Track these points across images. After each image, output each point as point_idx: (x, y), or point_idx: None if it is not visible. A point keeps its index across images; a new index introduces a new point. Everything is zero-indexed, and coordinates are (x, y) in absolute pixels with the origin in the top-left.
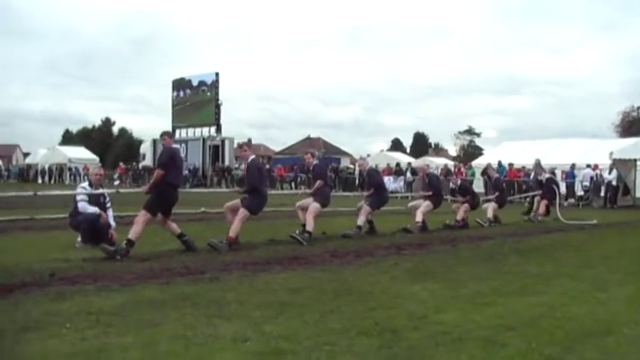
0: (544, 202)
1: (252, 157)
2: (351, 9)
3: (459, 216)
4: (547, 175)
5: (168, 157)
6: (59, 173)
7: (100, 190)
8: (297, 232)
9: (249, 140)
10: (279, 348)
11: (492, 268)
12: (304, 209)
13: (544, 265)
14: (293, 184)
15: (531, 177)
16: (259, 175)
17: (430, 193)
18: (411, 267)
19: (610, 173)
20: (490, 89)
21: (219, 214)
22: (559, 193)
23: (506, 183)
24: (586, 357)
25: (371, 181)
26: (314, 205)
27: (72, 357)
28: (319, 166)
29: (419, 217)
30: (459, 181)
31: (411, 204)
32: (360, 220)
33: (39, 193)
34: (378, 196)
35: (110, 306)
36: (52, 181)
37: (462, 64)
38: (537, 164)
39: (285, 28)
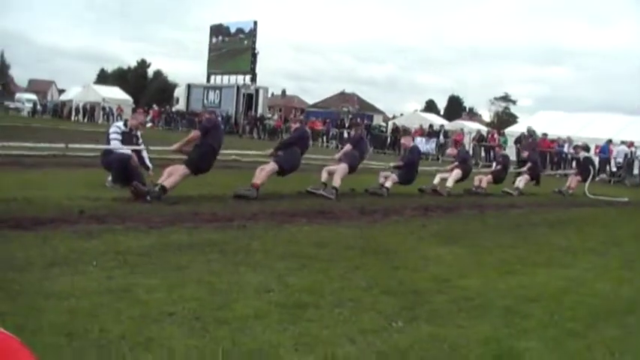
0: (577, 178)
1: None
2: None
3: (483, 184)
4: (585, 154)
5: (213, 125)
6: (92, 112)
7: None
8: (321, 189)
9: (284, 91)
10: (302, 301)
11: (519, 237)
12: (331, 173)
13: (571, 239)
14: (325, 138)
15: (567, 151)
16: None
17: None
18: (437, 230)
19: None
20: (530, 57)
21: (250, 164)
22: (594, 174)
23: (539, 154)
24: (608, 334)
25: (410, 158)
26: (342, 166)
27: (98, 295)
28: (359, 134)
29: (450, 184)
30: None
31: (441, 175)
32: (388, 184)
33: (70, 145)
34: (410, 173)
35: (137, 247)
36: (85, 120)
37: (504, 29)
38: (530, 132)
39: None
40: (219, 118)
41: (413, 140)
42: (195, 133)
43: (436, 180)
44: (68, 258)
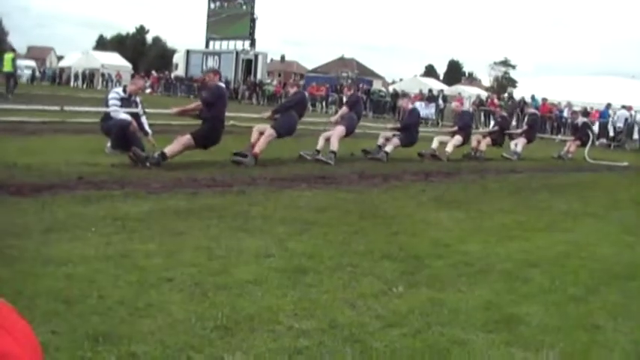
0: (576, 143)
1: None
2: None
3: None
4: (583, 120)
5: (217, 97)
6: (91, 79)
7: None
8: (310, 152)
9: (283, 57)
10: (302, 266)
11: (519, 202)
12: (328, 139)
13: (572, 203)
14: (324, 103)
15: (566, 116)
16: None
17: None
18: (437, 194)
19: None
20: (530, 21)
21: (249, 129)
22: (593, 138)
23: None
24: (609, 299)
25: (409, 119)
26: (339, 129)
27: (95, 260)
28: (355, 96)
29: (449, 148)
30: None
31: (439, 138)
32: (389, 148)
33: (66, 108)
34: (411, 135)
35: (136, 212)
36: (85, 86)
37: None
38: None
39: None
40: (223, 82)
41: (412, 103)
42: (197, 105)
43: (434, 144)
44: (66, 224)
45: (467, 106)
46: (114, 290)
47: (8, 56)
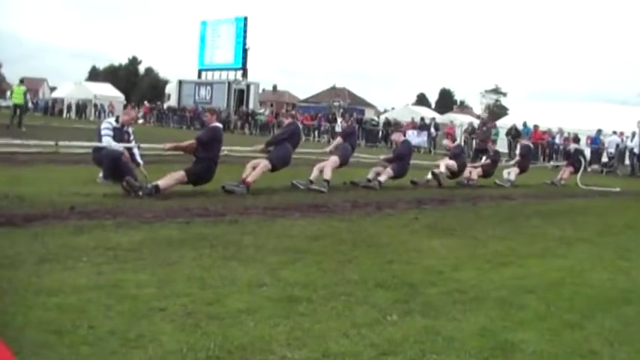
0: (569, 169)
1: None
2: None
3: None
4: (575, 146)
5: (212, 137)
6: (83, 109)
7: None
8: (308, 184)
9: (275, 87)
10: (295, 295)
11: (513, 228)
12: (322, 170)
13: (565, 230)
14: (317, 133)
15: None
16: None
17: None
18: (431, 222)
19: (632, 140)
20: (520, 49)
21: (240, 159)
22: (585, 165)
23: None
24: (605, 325)
25: (402, 150)
26: (333, 158)
27: (87, 290)
28: (351, 127)
29: (442, 168)
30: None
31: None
32: (382, 178)
33: (60, 143)
34: (402, 166)
35: (128, 242)
36: (77, 117)
37: (492, 21)
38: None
39: None
40: (219, 124)
41: (404, 135)
42: (191, 143)
43: (429, 175)
44: (58, 254)
45: (458, 133)
46: (105, 320)
47: (19, 89)
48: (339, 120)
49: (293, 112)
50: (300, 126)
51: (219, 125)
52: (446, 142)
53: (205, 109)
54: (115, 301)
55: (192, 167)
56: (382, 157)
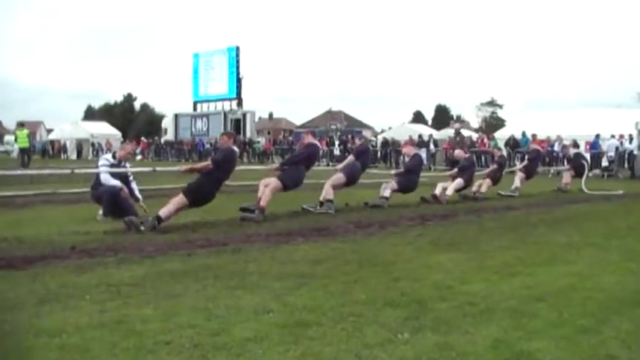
0: (570, 172)
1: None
2: None
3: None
4: (575, 151)
5: (225, 159)
6: (80, 149)
7: (132, 169)
8: (317, 207)
9: (271, 114)
10: (303, 319)
11: (518, 238)
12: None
13: (571, 236)
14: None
15: (557, 150)
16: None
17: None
18: (435, 237)
19: (631, 142)
20: (513, 60)
21: (240, 187)
22: (587, 167)
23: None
24: (621, 328)
25: (411, 163)
26: (338, 175)
27: (90, 329)
28: (364, 145)
29: (450, 192)
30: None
31: (441, 184)
32: (387, 192)
33: (76, 171)
34: (411, 180)
35: (130, 278)
36: (75, 157)
37: (484, 33)
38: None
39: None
40: (235, 147)
41: (415, 148)
42: (207, 164)
43: (438, 190)
44: (59, 294)
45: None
46: (110, 358)
47: (23, 132)
48: (336, 143)
49: (314, 130)
50: (320, 148)
51: (235, 148)
52: (458, 151)
53: (222, 133)
54: (120, 337)
55: (190, 182)
56: (393, 172)
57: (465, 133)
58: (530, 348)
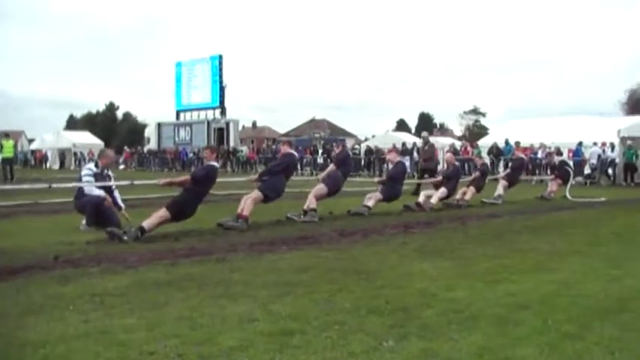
0: (557, 181)
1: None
2: None
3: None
4: (559, 159)
5: (208, 178)
6: (62, 159)
7: (113, 183)
8: (301, 215)
9: (254, 123)
10: (288, 328)
11: (502, 245)
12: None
13: (555, 243)
14: (298, 166)
15: (541, 157)
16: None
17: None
18: (419, 245)
19: (613, 150)
20: (496, 68)
21: (225, 197)
22: (572, 175)
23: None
24: (604, 334)
25: (395, 171)
26: (320, 186)
27: (74, 339)
28: (344, 153)
29: (434, 200)
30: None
31: (425, 192)
32: (370, 202)
33: (54, 185)
34: (395, 187)
35: (114, 288)
36: (57, 167)
37: (467, 42)
38: (425, 140)
39: (288, 9)
40: (216, 163)
41: (399, 156)
42: (186, 179)
43: (421, 198)
44: (43, 305)
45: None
46: None
47: (9, 143)
48: (320, 152)
49: (290, 140)
50: (297, 157)
51: (216, 165)
52: (448, 155)
53: (206, 147)
54: (104, 348)
55: (174, 198)
56: (376, 179)
57: (448, 141)
58: (515, 355)
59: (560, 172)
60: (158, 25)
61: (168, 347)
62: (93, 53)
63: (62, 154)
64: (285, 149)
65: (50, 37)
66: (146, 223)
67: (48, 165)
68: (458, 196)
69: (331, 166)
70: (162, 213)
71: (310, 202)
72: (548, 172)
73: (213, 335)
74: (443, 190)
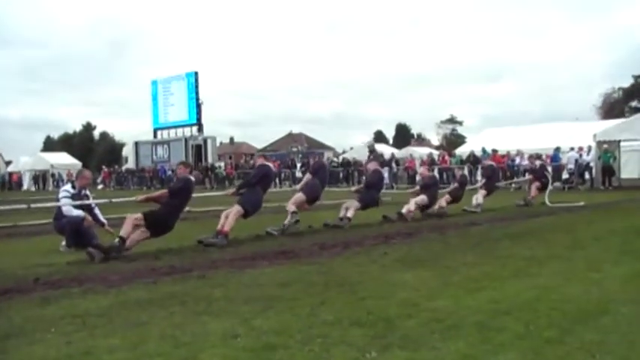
0: (536, 185)
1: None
2: (326, 1)
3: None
4: (539, 162)
5: (184, 190)
6: (43, 180)
7: (92, 201)
8: (282, 230)
9: (232, 139)
10: (271, 342)
11: (483, 253)
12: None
13: (535, 248)
14: (277, 180)
15: (522, 162)
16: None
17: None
18: (400, 256)
19: (588, 154)
20: (470, 77)
21: (204, 213)
22: (550, 180)
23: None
24: (586, 338)
25: (371, 178)
26: (299, 195)
27: None
28: (319, 162)
29: (412, 207)
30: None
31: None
32: (350, 213)
33: (33, 205)
34: (371, 195)
35: (96, 308)
36: (36, 188)
37: (441, 52)
38: (371, 148)
39: (261, 25)
40: (191, 176)
41: (379, 166)
42: (163, 193)
43: (404, 209)
44: (24, 328)
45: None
46: None
47: None
48: (298, 165)
49: (265, 154)
50: (273, 168)
51: (192, 178)
52: (422, 169)
53: (179, 163)
54: None
55: (152, 210)
56: (353, 188)
57: (426, 150)
58: None
59: (540, 175)
60: (132, 42)
61: None
62: (63, 74)
63: (35, 178)
64: (261, 161)
65: (17, 58)
66: (123, 231)
67: (26, 187)
68: (436, 207)
69: (307, 175)
70: (137, 216)
71: (288, 207)
72: (526, 175)
73: (196, 352)
74: (422, 197)
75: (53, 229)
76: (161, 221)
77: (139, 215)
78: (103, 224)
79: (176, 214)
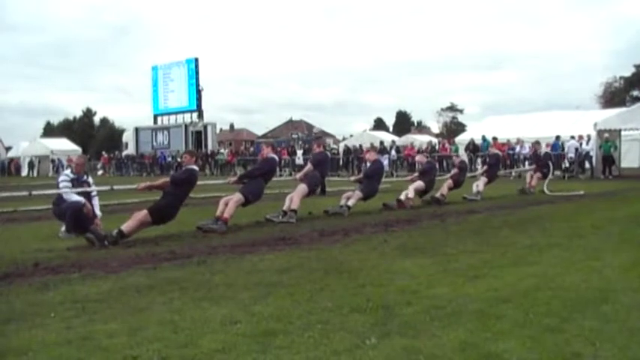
0: (537, 175)
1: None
2: None
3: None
4: (546, 150)
5: (187, 181)
6: (32, 167)
7: (94, 188)
8: (280, 216)
9: (232, 125)
10: (271, 328)
11: (483, 241)
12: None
13: (535, 237)
14: (277, 168)
15: (522, 150)
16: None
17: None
18: (400, 243)
19: (588, 143)
20: (471, 65)
21: (205, 199)
22: (552, 169)
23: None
24: (585, 326)
25: (372, 168)
26: (301, 187)
27: (57, 346)
28: (321, 154)
29: (411, 194)
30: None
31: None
32: (351, 202)
33: (34, 192)
34: (372, 185)
35: (95, 293)
36: (36, 174)
37: (442, 40)
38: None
39: (261, 11)
40: (195, 167)
41: (378, 154)
42: (165, 182)
43: (402, 196)
44: (25, 312)
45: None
46: None
47: None
48: (298, 152)
49: (272, 142)
50: (277, 161)
51: (196, 168)
52: (419, 157)
53: (185, 151)
54: (87, 353)
55: (155, 203)
56: (352, 178)
57: (426, 138)
58: (498, 349)
59: (542, 165)
60: (133, 28)
61: (151, 351)
62: (64, 60)
63: (30, 163)
64: (267, 153)
65: (17, 44)
66: (125, 226)
67: (26, 172)
68: (438, 194)
69: (309, 166)
70: (143, 217)
71: (293, 203)
72: (526, 164)
73: (195, 338)
74: (419, 183)
75: (53, 214)
76: (165, 212)
77: (146, 214)
78: (95, 216)
79: (179, 204)
